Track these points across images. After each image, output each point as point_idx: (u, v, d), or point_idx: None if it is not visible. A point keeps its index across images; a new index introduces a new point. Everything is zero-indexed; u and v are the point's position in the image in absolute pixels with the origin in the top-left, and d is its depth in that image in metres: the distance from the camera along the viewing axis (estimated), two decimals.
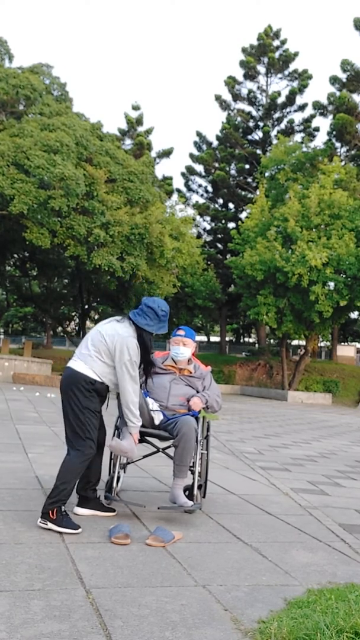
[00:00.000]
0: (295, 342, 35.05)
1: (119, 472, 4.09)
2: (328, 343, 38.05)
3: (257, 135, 35.59)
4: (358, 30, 27.87)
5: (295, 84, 34.83)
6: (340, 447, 9.50)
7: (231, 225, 34.60)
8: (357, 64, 28.41)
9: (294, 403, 23.00)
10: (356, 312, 29.42)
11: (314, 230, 22.77)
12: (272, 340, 37.11)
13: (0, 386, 16.11)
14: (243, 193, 35.29)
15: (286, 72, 35.07)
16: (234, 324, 46.87)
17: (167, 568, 3.02)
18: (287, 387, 25.12)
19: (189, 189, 37.50)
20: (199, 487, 4.20)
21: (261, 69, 35.05)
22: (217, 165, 35.17)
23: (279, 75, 35.27)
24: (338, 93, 28.58)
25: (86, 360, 3.67)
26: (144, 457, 4.65)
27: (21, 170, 19.26)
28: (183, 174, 37.39)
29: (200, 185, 37.34)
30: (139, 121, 37.53)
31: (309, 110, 34.05)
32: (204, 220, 37.38)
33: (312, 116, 34.18)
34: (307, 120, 34.70)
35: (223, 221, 35.60)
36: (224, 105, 35.97)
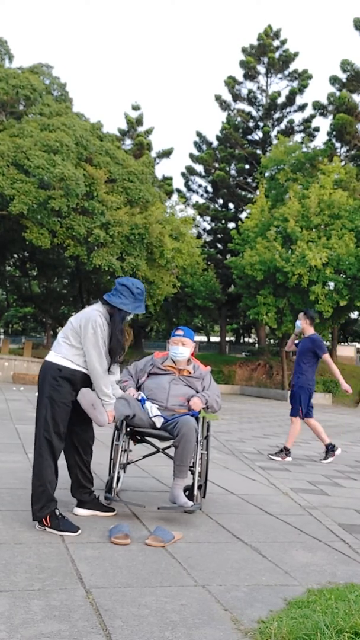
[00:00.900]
0: None
1: (119, 472, 4.09)
2: (328, 343, 38.03)
3: (257, 135, 35.59)
4: (358, 30, 27.87)
5: (295, 84, 34.82)
6: (340, 447, 9.49)
7: (231, 225, 34.59)
8: (357, 64, 28.40)
9: None
10: (356, 312, 29.42)
11: (313, 230, 22.77)
12: (272, 340, 37.10)
13: (0, 386, 16.10)
14: (243, 193, 35.28)
15: (286, 72, 35.07)
16: (234, 324, 46.87)
17: (166, 568, 3.02)
18: (287, 387, 25.11)
19: (189, 189, 37.50)
20: (199, 487, 4.20)
21: (261, 69, 35.05)
22: (217, 165, 35.16)
23: (279, 76, 35.26)
24: (338, 93, 28.57)
25: (54, 348, 3.65)
26: (144, 457, 4.65)
27: (21, 171, 19.26)
28: (183, 174, 37.39)
29: (200, 185, 37.35)
30: (139, 121, 37.53)
31: (309, 110, 34.06)
32: (204, 221, 37.39)
33: (312, 116, 34.17)
34: (307, 120, 34.69)
35: (223, 221, 35.59)
36: (224, 105, 35.96)
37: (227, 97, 35.87)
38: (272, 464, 6.87)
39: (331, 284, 22.01)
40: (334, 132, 28.46)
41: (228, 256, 32.02)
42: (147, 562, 3.08)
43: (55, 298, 36.34)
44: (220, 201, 36.92)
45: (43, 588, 2.61)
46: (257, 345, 38.30)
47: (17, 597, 2.49)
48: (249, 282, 23.33)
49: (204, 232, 36.77)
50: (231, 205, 36.63)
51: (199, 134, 36.95)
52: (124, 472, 4.47)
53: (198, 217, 35.81)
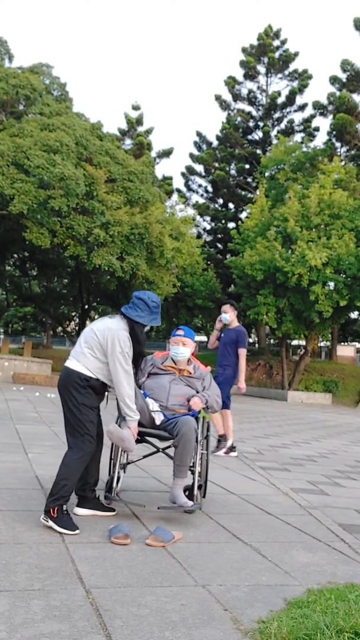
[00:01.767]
0: (295, 342, 35.04)
1: (119, 472, 4.09)
2: (328, 343, 38.05)
3: (257, 135, 35.60)
4: (358, 30, 27.87)
5: (295, 84, 34.84)
6: (340, 447, 9.50)
7: (231, 225, 34.61)
8: (357, 64, 28.42)
9: (294, 403, 23.00)
10: (356, 312, 29.42)
11: (314, 230, 22.76)
12: (272, 340, 37.10)
13: (0, 386, 16.10)
14: (243, 193, 35.30)
15: (286, 72, 35.09)
16: None
17: (167, 568, 3.02)
18: (287, 387, 25.11)
19: (189, 189, 37.53)
20: (199, 487, 4.20)
21: (261, 69, 35.07)
22: (217, 165, 35.17)
23: (279, 75, 35.28)
24: (338, 93, 28.58)
25: (79, 358, 3.72)
26: (144, 457, 4.65)
27: (21, 170, 19.26)
28: (183, 174, 37.41)
29: (200, 185, 37.36)
30: (139, 121, 37.54)
31: (309, 110, 34.10)
32: (204, 220, 37.41)
33: (312, 116, 34.20)
34: (307, 120, 34.70)
35: (223, 221, 35.60)
36: (224, 105, 35.98)
37: (227, 97, 35.93)
38: (272, 464, 6.87)
39: (331, 284, 22.00)
40: (334, 132, 28.47)
41: (228, 256, 32.02)
42: (147, 562, 3.08)
43: (55, 298, 36.35)
44: (220, 201, 36.93)
45: (43, 588, 2.61)
46: (257, 345, 38.30)
47: (17, 597, 2.49)
48: (249, 282, 23.33)
49: (204, 232, 36.79)
50: (231, 205, 36.64)
51: (199, 134, 36.97)
52: (124, 472, 4.47)
53: (198, 217, 35.84)
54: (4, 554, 3.00)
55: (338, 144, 29.78)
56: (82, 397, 3.65)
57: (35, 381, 18.26)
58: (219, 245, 36.32)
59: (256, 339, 41.20)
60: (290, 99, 34.53)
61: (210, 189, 36.97)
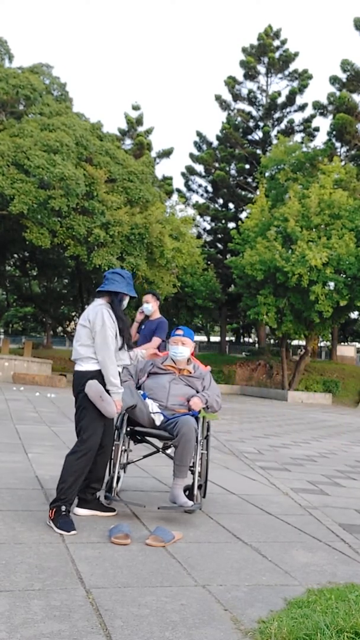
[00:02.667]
0: (295, 342, 35.04)
1: (119, 472, 4.09)
2: (328, 343, 38.05)
3: (257, 135, 35.59)
4: (358, 30, 27.87)
5: (295, 84, 34.84)
6: (340, 447, 9.50)
7: (231, 225, 34.60)
8: (357, 64, 28.42)
9: (294, 403, 23.00)
10: (356, 312, 29.41)
11: (314, 230, 22.76)
12: (272, 340, 37.11)
13: (0, 386, 16.10)
14: (243, 193, 35.29)
15: (286, 72, 35.08)
16: (234, 324, 46.88)
17: (167, 568, 3.02)
18: (287, 387, 25.11)
19: (189, 189, 37.51)
20: (199, 487, 4.20)
21: (261, 69, 35.07)
22: (217, 165, 35.17)
23: (279, 75, 35.28)
24: (338, 93, 28.58)
25: (76, 357, 3.80)
26: (144, 457, 4.65)
27: (21, 170, 19.26)
28: (183, 174, 37.40)
29: (200, 185, 37.35)
30: (139, 121, 37.53)
31: (309, 110, 34.10)
32: (204, 220, 37.40)
33: (312, 116, 34.19)
34: (307, 120, 34.70)
35: (223, 221, 35.59)
36: (224, 105, 35.97)
37: (227, 97, 35.92)
38: (272, 464, 6.87)
39: (331, 284, 22.00)
40: (334, 132, 28.46)
41: (228, 256, 32.03)
42: (147, 562, 3.08)
43: (55, 298, 36.35)
44: (220, 201, 36.92)
45: (43, 588, 2.61)
46: (257, 345, 38.30)
47: (17, 597, 2.49)
48: (249, 282, 23.33)
49: (204, 232, 36.78)
50: (231, 205, 36.64)
51: (199, 134, 36.96)
52: (124, 472, 4.47)
53: (198, 217, 35.83)
54: (4, 554, 3.00)
55: (338, 144, 29.78)
56: (84, 399, 3.68)
57: (35, 381, 18.26)
58: (219, 245, 36.32)
59: (256, 339, 41.21)
60: (290, 99, 34.53)
61: (210, 189, 36.97)
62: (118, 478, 4.06)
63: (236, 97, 35.64)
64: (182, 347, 4.38)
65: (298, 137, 33.58)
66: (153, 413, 4.11)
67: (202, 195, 37.44)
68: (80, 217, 20.71)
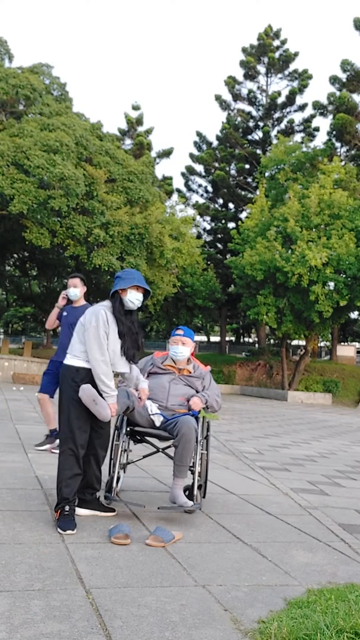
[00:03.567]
0: (295, 342, 35.06)
1: (119, 472, 4.09)
2: (328, 343, 38.05)
3: (257, 135, 35.59)
4: (358, 30, 27.87)
5: (295, 84, 34.83)
6: (340, 447, 9.49)
7: (231, 225, 34.59)
8: (357, 64, 28.40)
9: (294, 403, 23.00)
10: (356, 312, 29.41)
11: (314, 230, 22.76)
12: (272, 340, 37.11)
13: (0, 386, 16.10)
14: (243, 193, 35.29)
15: (286, 72, 35.08)
16: (234, 324, 46.88)
17: (167, 568, 3.02)
18: (287, 387, 25.11)
19: (189, 189, 37.51)
20: (199, 487, 4.20)
21: (261, 69, 35.06)
22: (217, 165, 35.16)
23: (279, 75, 35.27)
24: (338, 93, 28.57)
25: (70, 350, 3.77)
26: (144, 457, 4.65)
27: (21, 170, 19.26)
28: (183, 174, 37.39)
29: (200, 185, 37.35)
30: (139, 121, 37.53)
31: (309, 110, 34.09)
32: (204, 220, 37.39)
33: (312, 116, 34.19)
34: (307, 120, 34.70)
35: (223, 221, 35.59)
36: (224, 105, 35.97)
37: (227, 97, 35.91)
38: (272, 464, 6.87)
39: (331, 284, 22.00)
40: (334, 132, 28.46)
41: (228, 256, 32.03)
42: (147, 562, 3.08)
43: (55, 298, 36.23)
44: (220, 201, 36.92)
45: (43, 588, 2.61)
46: (257, 345, 38.31)
47: (17, 597, 2.49)
48: (249, 282, 23.33)
49: (204, 232, 36.77)
50: (231, 205, 36.63)
51: (199, 134, 36.95)
52: (124, 472, 4.47)
53: (198, 217, 35.82)
54: (4, 554, 3.00)
55: (338, 144, 29.77)
56: (71, 391, 3.62)
57: (35, 381, 18.26)
58: (219, 245, 36.32)
59: (256, 339, 41.21)
60: (290, 99, 34.53)
61: (210, 189, 36.97)
62: (118, 478, 4.06)
63: (236, 97, 35.64)
64: (182, 347, 4.38)
65: (298, 137, 33.60)
66: (152, 415, 4.10)
67: (202, 195, 37.45)
68: (80, 217, 20.71)
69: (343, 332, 42.08)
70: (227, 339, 41.52)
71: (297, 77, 34.87)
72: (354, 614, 2.39)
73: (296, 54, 34.80)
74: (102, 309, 3.70)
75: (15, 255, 31.16)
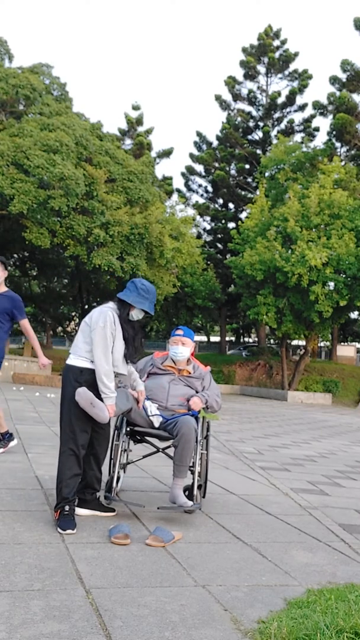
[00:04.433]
0: (295, 342, 35.06)
1: (119, 472, 4.09)
2: (328, 343, 38.04)
3: (257, 135, 35.59)
4: (358, 30, 27.86)
5: (295, 84, 34.84)
6: (340, 447, 9.49)
7: (231, 225, 34.60)
8: (357, 64, 28.40)
9: (294, 403, 23.00)
10: (356, 312, 29.40)
11: (313, 230, 22.76)
12: (272, 340, 37.11)
13: (0, 386, 16.10)
14: (243, 193, 35.29)
15: (286, 72, 35.08)
16: (234, 324, 46.87)
17: (166, 568, 3.01)
18: (287, 387, 25.11)
19: (189, 189, 37.52)
20: (199, 487, 4.19)
21: (261, 69, 35.06)
22: (217, 165, 35.17)
23: (279, 75, 35.28)
24: (338, 93, 28.57)
25: (74, 350, 3.76)
26: (144, 457, 4.65)
27: (21, 170, 19.26)
28: (183, 174, 37.40)
29: (200, 185, 37.35)
30: (139, 121, 37.53)
31: (309, 110, 34.09)
32: (204, 220, 37.40)
33: (312, 116, 34.19)
34: (307, 120, 34.70)
35: (223, 221, 35.59)
36: (224, 105, 35.97)
37: (227, 97, 35.91)
38: (272, 464, 6.87)
39: (331, 284, 22.00)
40: (334, 132, 28.46)
41: (228, 256, 32.03)
42: (147, 562, 3.08)
43: (55, 298, 36.34)
44: (220, 201, 36.92)
45: (43, 588, 2.61)
46: (257, 345, 38.31)
47: (17, 597, 2.48)
48: (249, 282, 23.33)
49: (204, 232, 36.78)
50: (231, 205, 36.64)
51: (199, 134, 36.95)
52: (124, 472, 4.47)
53: (198, 217, 35.83)
54: (3, 554, 3.00)
55: (338, 144, 29.77)
56: (74, 393, 3.62)
57: (35, 381, 18.26)
58: (219, 245, 36.32)
59: (256, 339, 41.21)
60: (290, 99, 34.53)
61: (210, 189, 36.97)
62: (118, 478, 4.06)
63: (236, 97, 35.64)
64: (182, 347, 4.37)
65: (298, 137, 33.60)
66: (151, 415, 4.10)
67: (202, 195, 37.46)
68: (80, 217, 20.71)
69: (343, 332, 42.06)
70: (227, 339, 41.52)
71: (297, 77, 34.87)
72: (354, 614, 2.39)
73: (296, 54, 34.80)
74: (110, 311, 3.71)
75: (15, 255, 31.15)
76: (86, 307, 32.81)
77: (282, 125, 35.12)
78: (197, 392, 4.34)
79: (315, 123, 35.39)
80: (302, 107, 34.68)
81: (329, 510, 4.66)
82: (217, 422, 10.42)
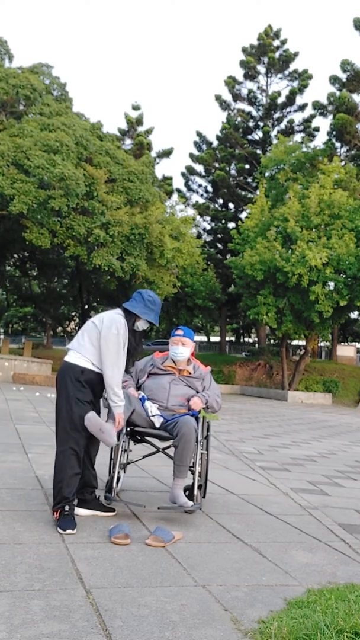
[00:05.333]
0: (295, 342, 35.08)
1: (119, 472, 4.09)
2: (328, 343, 38.05)
3: (257, 135, 35.60)
4: (358, 30, 27.87)
5: (295, 84, 34.85)
6: (340, 447, 9.50)
7: (231, 225, 34.61)
8: (357, 64, 28.42)
9: (294, 403, 23.00)
10: (356, 312, 29.41)
11: (314, 230, 22.76)
12: (272, 340, 37.12)
13: (0, 386, 16.10)
14: (243, 193, 35.30)
15: (286, 72, 35.10)
16: (234, 324, 46.88)
17: (167, 568, 3.01)
18: (287, 387, 25.11)
19: (189, 189, 37.53)
20: (199, 487, 4.19)
21: (261, 69, 35.08)
22: (217, 165, 35.18)
23: (279, 75, 35.29)
24: (338, 93, 28.58)
25: (78, 349, 3.72)
26: (144, 457, 4.65)
27: (21, 170, 19.26)
28: (183, 174, 37.41)
29: (200, 185, 37.37)
30: (139, 121, 37.54)
31: (309, 110, 34.12)
32: (204, 220, 37.42)
33: (312, 116, 34.21)
34: (307, 120, 34.71)
35: (223, 221, 35.60)
36: (224, 105, 35.98)
37: (227, 97, 35.94)
38: (272, 464, 6.87)
39: (331, 284, 22.01)
40: (334, 132, 28.47)
41: (228, 256, 32.04)
42: (147, 562, 3.08)
43: (55, 298, 36.36)
44: (220, 201, 36.93)
45: (43, 588, 2.61)
46: (257, 345, 38.32)
47: (17, 597, 2.48)
48: (249, 282, 23.34)
49: (204, 232, 36.79)
50: (231, 205, 36.64)
51: (199, 134, 36.96)
52: (124, 472, 4.47)
53: (198, 217, 35.85)
54: (4, 554, 3.00)
55: (338, 144, 29.79)
56: (75, 391, 3.62)
57: (35, 381, 18.26)
58: (219, 245, 36.33)
59: (256, 339, 41.21)
60: (290, 99, 34.54)
61: (210, 189, 36.98)
62: (118, 478, 4.06)
63: (236, 97, 35.65)
64: (182, 348, 4.37)
65: (298, 137, 33.62)
66: (152, 416, 4.10)
67: (202, 195, 37.47)
68: (80, 217, 20.71)
69: (343, 332, 42.08)
70: (227, 339, 41.52)
71: (297, 77, 34.88)
72: (354, 614, 2.39)
73: (296, 54, 34.82)
74: (122, 319, 3.72)
75: (15, 255, 31.18)
76: (86, 307, 32.83)
77: (282, 125, 35.14)
78: (197, 392, 4.34)
79: (315, 123, 35.47)
80: (302, 107, 34.70)
81: (329, 510, 4.66)
82: (217, 422, 10.42)
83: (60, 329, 46.50)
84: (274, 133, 34.65)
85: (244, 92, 35.49)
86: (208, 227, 37.25)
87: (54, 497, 3.58)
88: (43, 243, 20.38)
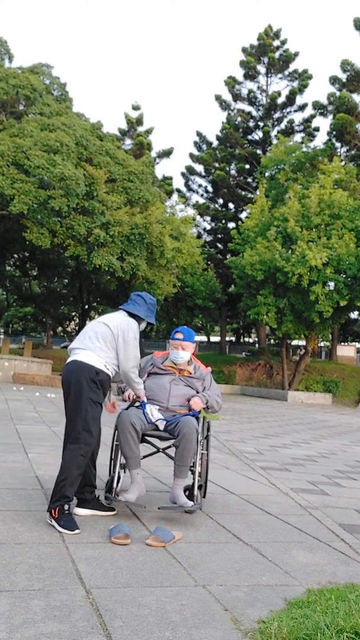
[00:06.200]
0: (295, 342, 35.07)
1: (119, 472, 4.09)
2: (328, 343, 38.05)
3: (257, 135, 35.60)
4: (358, 30, 27.87)
5: (295, 84, 34.85)
6: (340, 447, 9.49)
7: (231, 225, 34.61)
8: (357, 64, 28.41)
9: (294, 403, 23.00)
10: (356, 312, 29.42)
11: (314, 230, 22.76)
12: (272, 340, 37.12)
13: (0, 386, 16.10)
14: (243, 193, 35.30)
15: (286, 72, 35.09)
16: (234, 324, 46.88)
17: (167, 568, 3.01)
18: (287, 387, 25.11)
19: (189, 189, 37.52)
20: (199, 487, 4.19)
21: (261, 69, 35.07)
22: (217, 165, 35.18)
23: (279, 75, 35.29)
24: (338, 93, 28.58)
25: (94, 351, 3.74)
26: (144, 457, 4.65)
27: (21, 170, 19.26)
28: (183, 174, 37.40)
29: (200, 185, 37.36)
30: (139, 121, 37.53)
31: (309, 110, 34.11)
32: (204, 220, 37.42)
33: (312, 116, 34.20)
34: (307, 120, 34.71)
35: (223, 221, 35.60)
36: (224, 105, 35.98)
37: (227, 97, 35.93)
38: (273, 464, 6.87)
39: (331, 284, 22.01)
40: (334, 132, 28.47)
41: (228, 256, 32.04)
42: (147, 562, 3.08)
43: (55, 298, 36.36)
44: (220, 201, 36.93)
45: (43, 588, 2.61)
46: (257, 345, 38.31)
47: (17, 597, 2.48)
48: (249, 282, 23.33)
49: (204, 232, 36.79)
50: (231, 205, 36.64)
51: (199, 134, 36.96)
52: (124, 472, 4.47)
53: (198, 217, 35.84)
54: (4, 554, 3.00)
55: (338, 144, 29.78)
56: (89, 391, 3.64)
57: (35, 381, 18.26)
58: (219, 245, 36.33)
59: (256, 339, 41.21)
60: (290, 99, 34.54)
61: (210, 189, 36.98)
62: (118, 478, 4.06)
63: (236, 97, 35.64)
64: (183, 352, 4.34)
65: (298, 137, 33.62)
66: (156, 421, 4.09)
67: (202, 195, 37.46)
68: (80, 217, 20.72)
69: (343, 332, 42.07)
70: (227, 339, 41.52)
71: (297, 77, 34.88)
72: (354, 614, 2.39)
73: (296, 54, 34.81)
74: (135, 323, 3.88)
75: (15, 255, 31.19)
76: (86, 307, 32.83)
77: (282, 125, 35.13)
78: (197, 392, 4.34)
79: (315, 123, 35.46)
80: (302, 107, 34.69)
81: (329, 510, 4.66)
82: (218, 422, 10.42)
83: (60, 329, 46.49)
84: (274, 133, 34.64)
85: (244, 92, 35.50)
86: (208, 227, 37.27)
87: (53, 494, 3.55)
88: (43, 243, 20.38)
